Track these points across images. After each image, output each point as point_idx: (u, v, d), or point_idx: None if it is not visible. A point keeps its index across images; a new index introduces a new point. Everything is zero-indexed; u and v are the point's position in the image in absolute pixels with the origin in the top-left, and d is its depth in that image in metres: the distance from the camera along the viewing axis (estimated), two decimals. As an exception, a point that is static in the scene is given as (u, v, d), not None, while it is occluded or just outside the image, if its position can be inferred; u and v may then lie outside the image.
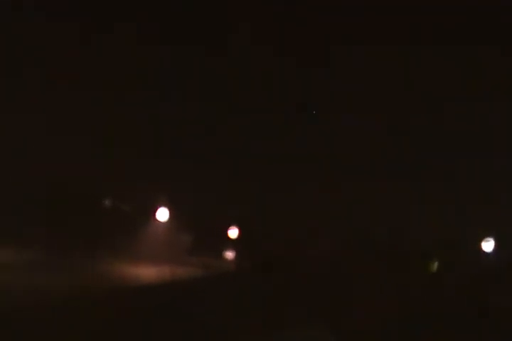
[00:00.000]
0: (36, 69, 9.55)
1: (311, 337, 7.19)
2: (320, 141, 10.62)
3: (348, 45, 10.09)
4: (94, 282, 9.73)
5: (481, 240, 11.18)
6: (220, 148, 10.62)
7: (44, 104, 9.77)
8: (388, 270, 10.41)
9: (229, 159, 10.59)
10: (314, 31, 9.85)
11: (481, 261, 10.87)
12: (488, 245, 11.14)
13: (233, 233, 11.51)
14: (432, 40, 10.05)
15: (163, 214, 11.09)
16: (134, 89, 10.10)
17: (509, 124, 10.37)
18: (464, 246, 11.04)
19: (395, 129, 10.26)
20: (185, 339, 7.93)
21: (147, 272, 10.83)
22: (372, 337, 7.72)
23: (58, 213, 9.70)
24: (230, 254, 11.55)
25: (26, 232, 9.47)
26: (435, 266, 11.26)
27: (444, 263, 11.23)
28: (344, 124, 10.38)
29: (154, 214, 11.06)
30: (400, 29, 9.88)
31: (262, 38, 9.85)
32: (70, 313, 7.93)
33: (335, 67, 10.31)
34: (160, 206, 11.06)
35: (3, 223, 9.19)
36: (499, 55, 9.83)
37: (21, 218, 9.42)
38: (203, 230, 11.11)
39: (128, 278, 10.58)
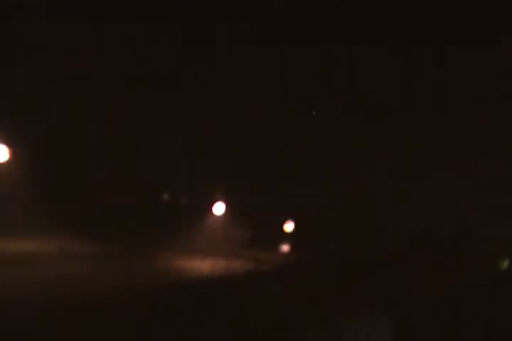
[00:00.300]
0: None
1: (368, 325, 6.92)
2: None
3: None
4: (151, 274, 10.25)
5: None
6: (278, 146, 10.28)
7: (98, 102, 10.09)
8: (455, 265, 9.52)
9: (285, 155, 10.21)
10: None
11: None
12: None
13: (289, 227, 11.22)
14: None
15: (219, 209, 11.16)
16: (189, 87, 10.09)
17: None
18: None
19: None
20: (243, 331, 8.12)
21: (203, 265, 11.09)
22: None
23: (119, 207, 10.18)
24: (285, 248, 11.32)
25: (90, 225, 10.03)
26: (506, 263, 10.06)
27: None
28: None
29: (211, 209, 11.17)
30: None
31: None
32: (126, 304, 8.51)
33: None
34: (217, 200, 11.12)
35: (68, 217, 9.97)
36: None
37: (84, 212, 9.98)
38: (259, 224, 10.98)
39: (184, 271, 10.96)
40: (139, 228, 10.41)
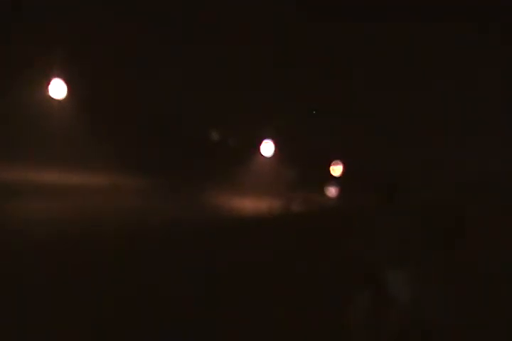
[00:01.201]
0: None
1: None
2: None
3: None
4: (196, 213, 10.32)
5: None
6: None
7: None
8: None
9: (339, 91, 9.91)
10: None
11: None
12: None
13: (338, 169, 11.01)
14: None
15: (267, 148, 11.00)
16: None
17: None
18: None
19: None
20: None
21: (249, 205, 11.08)
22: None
23: (162, 144, 10.17)
24: (334, 190, 11.16)
25: (140, 160, 10.09)
26: None
27: None
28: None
29: (259, 148, 11.03)
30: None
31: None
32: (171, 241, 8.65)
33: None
34: (264, 139, 10.95)
35: (120, 151, 10.04)
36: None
37: (135, 146, 10.03)
38: (307, 165, 10.81)
39: (230, 211, 10.99)
40: (188, 165, 10.33)
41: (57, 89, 9.36)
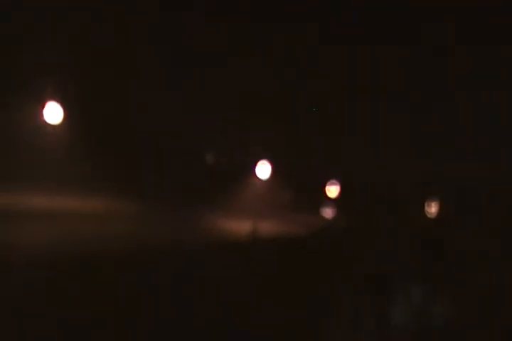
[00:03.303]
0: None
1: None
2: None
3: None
4: (191, 235, 10.20)
5: None
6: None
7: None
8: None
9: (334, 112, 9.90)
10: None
11: None
12: None
13: (334, 190, 10.95)
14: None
15: (262, 170, 10.95)
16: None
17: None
18: None
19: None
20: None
21: (244, 228, 10.98)
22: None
23: (156, 166, 10.11)
24: (330, 212, 11.08)
25: (134, 184, 10.01)
26: None
27: None
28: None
29: (254, 170, 10.98)
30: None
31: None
32: (170, 263, 8.51)
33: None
34: (259, 160, 10.90)
35: (115, 176, 9.94)
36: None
37: (130, 171, 9.96)
38: (304, 186, 10.75)
39: (225, 233, 10.88)
40: (182, 188, 10.27)
41: (52, 112, 9.33)
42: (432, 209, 10.23)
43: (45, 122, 9.55)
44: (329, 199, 11.34)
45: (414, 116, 9.94)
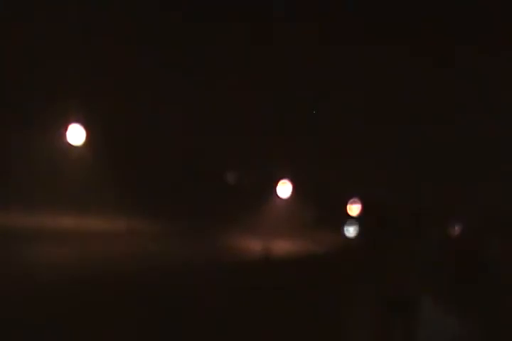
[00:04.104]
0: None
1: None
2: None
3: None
4: (213, 255, 10.20)
5: None
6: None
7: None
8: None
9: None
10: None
11: None
12: None
13: (355, 209, 10.89)
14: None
15: (283, 189, 10.94)
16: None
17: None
18: None
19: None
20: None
21: (265, 247, 10.94)
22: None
23: (178, 186, 10.14)
24: (352, 231, 11.02)
25: (156, 204, 10.05)
26: None
27: None
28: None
29: (275, 189, 10.97)
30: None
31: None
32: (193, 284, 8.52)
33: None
34: (280, 180, 10.90)
35: (137, 196, 10.01)
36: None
37: (152, 190, 10.00)
38: (325, 205, 10.71)
39: (246, 253, 10.85)
40: (204, 207, 10.29)
41: (75, 134, 9.42)
42: (456, 229, 10.14)
43: (68, 143, 9.63)
44: (351, 217, 11.27)
45: (440, 138, 9.89)
